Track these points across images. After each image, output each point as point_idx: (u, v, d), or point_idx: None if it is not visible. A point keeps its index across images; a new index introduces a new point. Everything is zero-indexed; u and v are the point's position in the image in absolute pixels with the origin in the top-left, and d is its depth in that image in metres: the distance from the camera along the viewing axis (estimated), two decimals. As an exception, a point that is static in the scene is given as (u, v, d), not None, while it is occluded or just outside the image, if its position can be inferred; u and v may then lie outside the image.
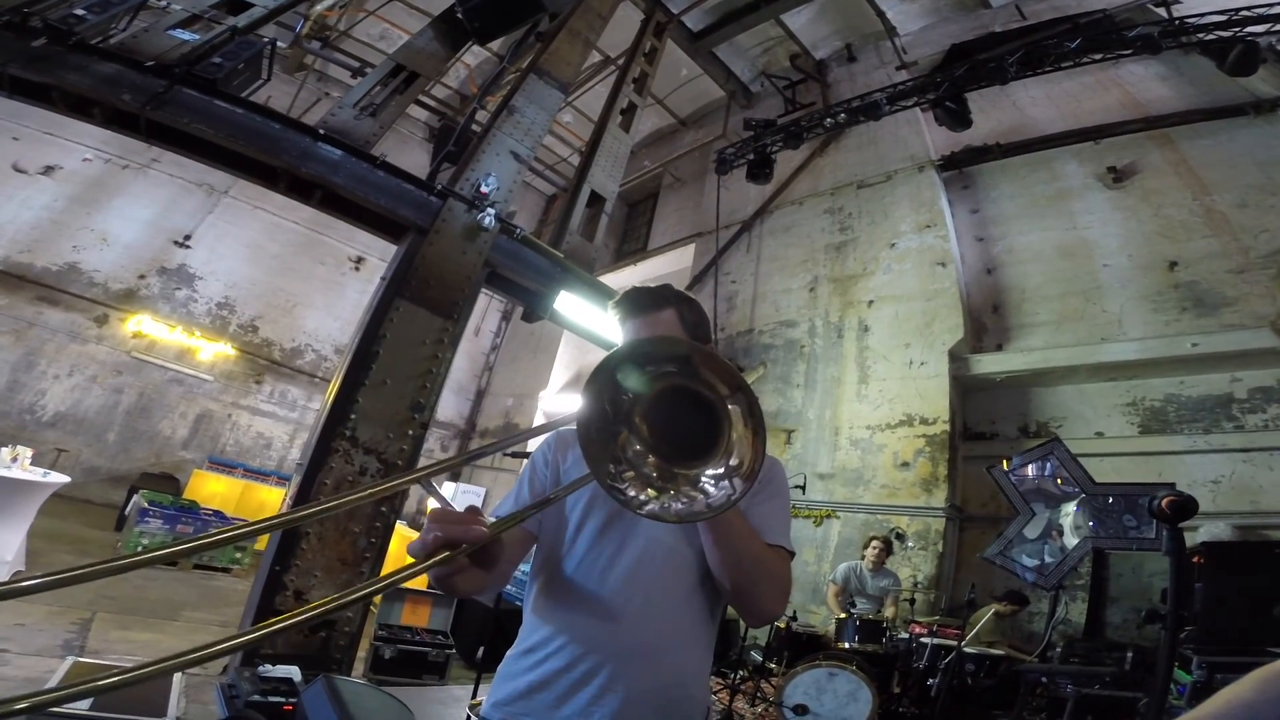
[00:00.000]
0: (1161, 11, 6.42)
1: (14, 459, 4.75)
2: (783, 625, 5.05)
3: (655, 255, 12.25)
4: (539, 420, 12.16)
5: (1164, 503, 1.40)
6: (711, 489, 0.95)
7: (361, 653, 4.48)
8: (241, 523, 0.97)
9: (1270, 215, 5.73)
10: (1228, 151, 6.20)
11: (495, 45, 8.26)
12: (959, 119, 7.13)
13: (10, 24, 4.05)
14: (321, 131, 4.69)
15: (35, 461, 4.98)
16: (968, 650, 4.23)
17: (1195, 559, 3.79)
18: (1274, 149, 5.96)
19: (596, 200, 6.44)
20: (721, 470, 0.95)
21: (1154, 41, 6.06)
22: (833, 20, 9.89)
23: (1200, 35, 5.92)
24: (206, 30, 4.73)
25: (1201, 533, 4.75)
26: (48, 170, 9.68)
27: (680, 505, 0.95)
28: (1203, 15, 5.92)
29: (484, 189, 5.14)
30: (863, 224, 8.57)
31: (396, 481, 1.09)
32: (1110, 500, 4.87)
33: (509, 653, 1.21)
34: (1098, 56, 6.51)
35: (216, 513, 7.49)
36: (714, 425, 0.96)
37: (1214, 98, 6.42)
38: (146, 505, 6.81)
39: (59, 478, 5.01)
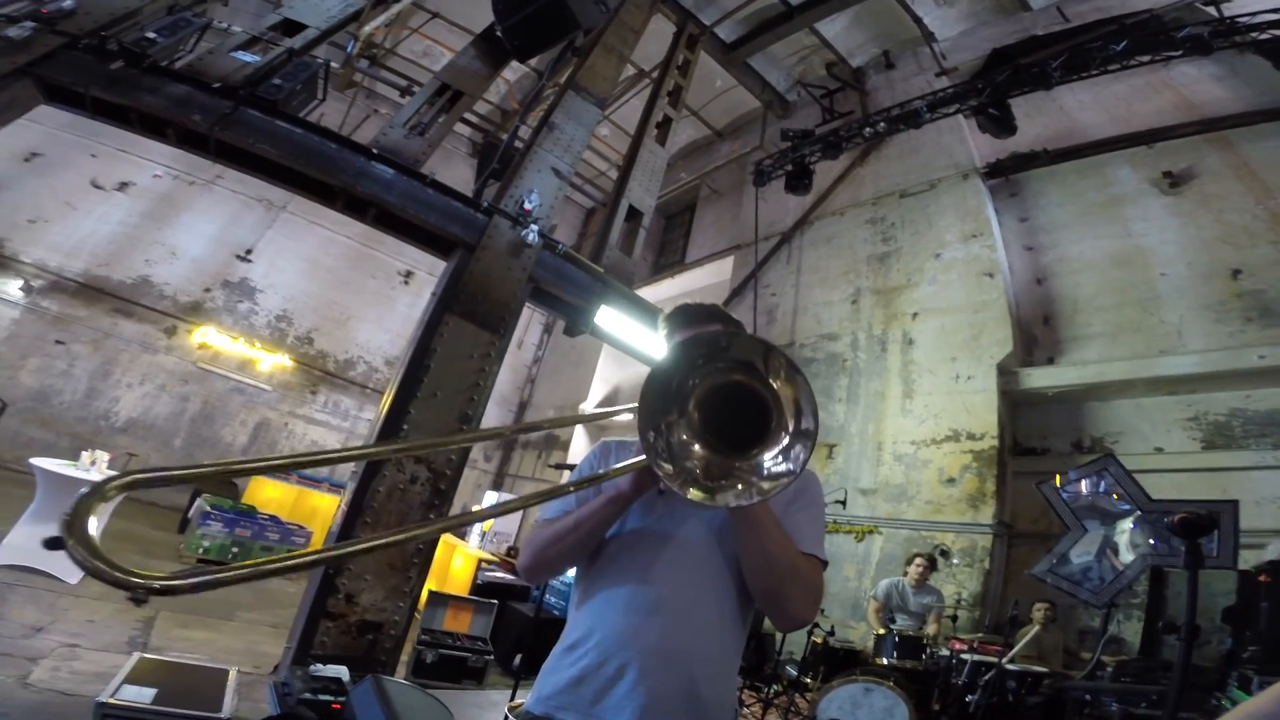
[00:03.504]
0: (1211, 10, 6.17)
1: (92, 463, 5.09)
2: (820, 640, 5.00)
3: (693, 268, 12.27)
4: (579, 435, 12.27)
5: (1177, 519, 1.38)
6: (775, 468, 1.05)
7: (404, 656, 4.62)
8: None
9: (1342, 219, 5.44)
10: (1292, 153, 5.90)
11: (533, 61, 8.48)
12: (1003, 125, 6.98)
13: (90, 47, 4.32)
14: (375, 151, 4.89)
15: (110, 465, 5.30)
16: (1010, 667, 4.11)
17: (1261, 577, 3.61)
18: (1341, 149, 5.65)
19: (634, 215, 6.53)
20: (785, 443, 1.05)
21: (1204, 42, 5.83)
22: (868, 27, 9.80)
23: (1254, 34, 5.66)
24: (265, 51, 4.96)
25: (1269, 551, 4.51)
26: (122, 186, 10.32)
27: (736, 495, 1.05)
28: (1255, 14, 5.66)
29: (527, 205, 5.28)
30: (906, 234, 8.44)
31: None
32: (1167, 515, 4.67)
33: (554, 650, 1.29)
34: (1145, 59, 6.28)
35: (272, 517, 7.81)
36: (765, 417, 1.06)
37: (1274, 98, 6.10)
38: (208, 509, 7.17)
39: (131, 481, 5.32)
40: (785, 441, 1.04)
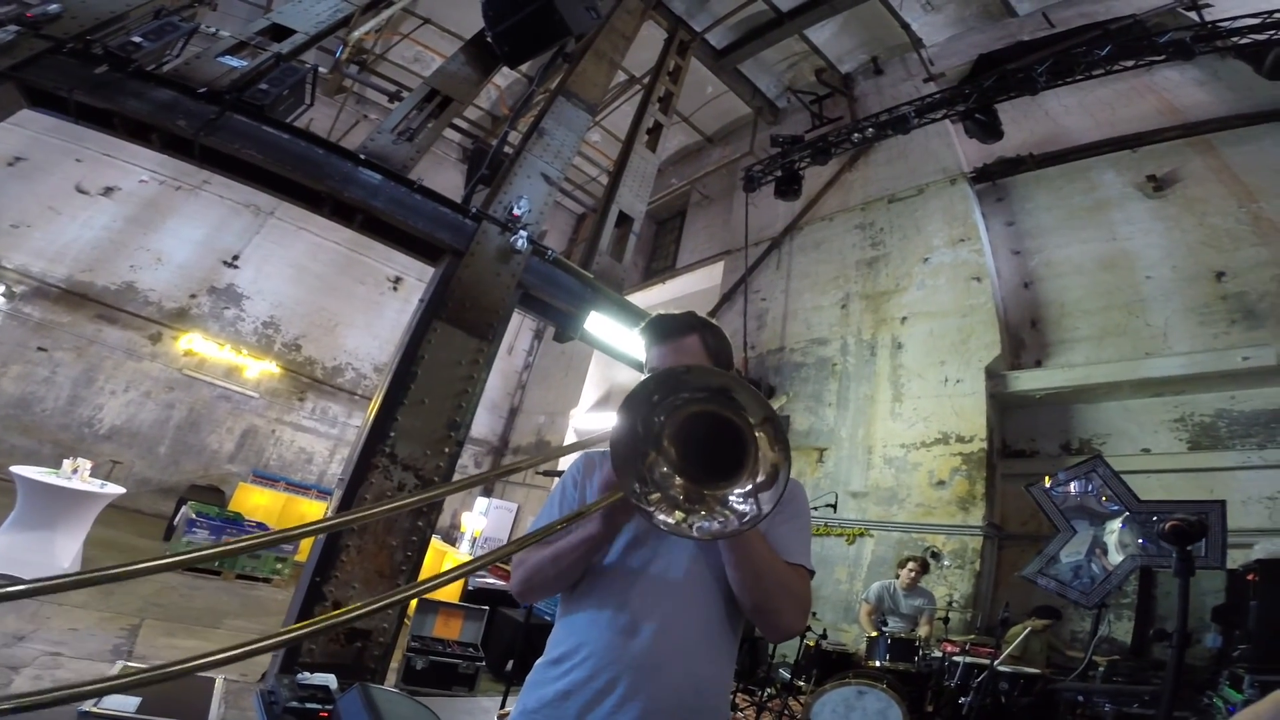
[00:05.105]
0: (1193, 15, 6.26)
1: (75, 470, 5.02)
2: (812, 644, 4.99)
3: (684, 273, 12.30)
4: (570, 438, 12.25)
5: (1167, 526, 1.38)
6: (740, 507, 1.04)
7: (394, 663, 4.57)
8: (300, 527, 1.10)
9: (1324, 222, 5.52)
10: (1273, 156, 5.97)
11: (524, 67, 8.47)
12: (990, 130, 7.05)
13: (75, 51, 4.26)
14: (362, 156, 4.87)
15: (93, 473, 5.23)
16: (1002, 669, 4.13)
17: (1250, 576, 3.64)
18: (1323, 153, 5.74)
19: (624, 220, 6.53)
20: (749, 488, 1.03)
21: (1186, 47, 5.91)
22: (857, 34, 9.88)
23: (1234, 39, 5.76)
24: (253, 56, 4.90)
25: (1257, 550, 4.56)
26: (107, 191, 10.18)
27: (708, 525, 1.04)
28: (1235, 19, 5.75)
29: (516, 211, 5.27)
30: (894, 239, 8.49)
31: (434, 493, 1.19)
32: (1156, 519, 4.72)
33: (538, 662, 1.28)
34: (1129, 63, 6.37)
35: (260, 524, 7.72)
36: (740, 448, 1.05)
37: (1255, 102, 6.19)
38: (194, 516, 7.07)
39: (115, 489, 5.26)
40: (762, 474, 1.04)
